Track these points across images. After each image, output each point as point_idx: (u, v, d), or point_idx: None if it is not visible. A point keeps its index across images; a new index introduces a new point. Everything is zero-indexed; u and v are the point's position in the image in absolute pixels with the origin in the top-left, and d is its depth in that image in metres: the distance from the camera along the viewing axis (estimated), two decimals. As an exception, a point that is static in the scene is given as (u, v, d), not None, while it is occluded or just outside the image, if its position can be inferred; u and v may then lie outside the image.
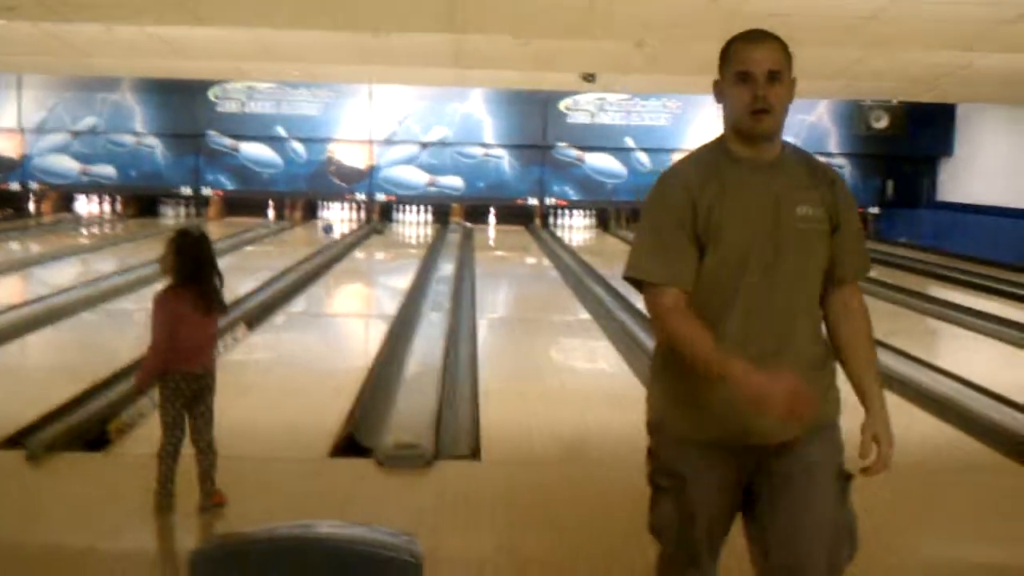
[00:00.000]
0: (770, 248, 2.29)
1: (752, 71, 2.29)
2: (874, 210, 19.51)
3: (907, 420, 5.87)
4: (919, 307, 10.36)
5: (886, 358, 7.29)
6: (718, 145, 2.40)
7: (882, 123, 18.34)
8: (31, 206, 19.54)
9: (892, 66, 11.42)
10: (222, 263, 11.99)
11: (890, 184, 19.42)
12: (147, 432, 5.15)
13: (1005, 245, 15.02)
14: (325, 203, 19.51)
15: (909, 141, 18.61)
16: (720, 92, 2.39)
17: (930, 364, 7.19)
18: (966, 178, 18.30)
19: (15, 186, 19.06)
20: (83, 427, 5.02)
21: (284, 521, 2.78)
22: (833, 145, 19.16)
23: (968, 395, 6.30)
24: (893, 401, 6.21)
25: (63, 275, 11.67)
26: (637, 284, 2.38)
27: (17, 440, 4.87)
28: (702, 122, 18.96)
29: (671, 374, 2.39)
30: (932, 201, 18.90)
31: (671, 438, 2.43)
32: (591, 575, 3.54)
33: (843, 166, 19.29)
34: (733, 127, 2.36)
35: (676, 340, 2.30)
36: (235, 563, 2.47)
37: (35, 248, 14.63)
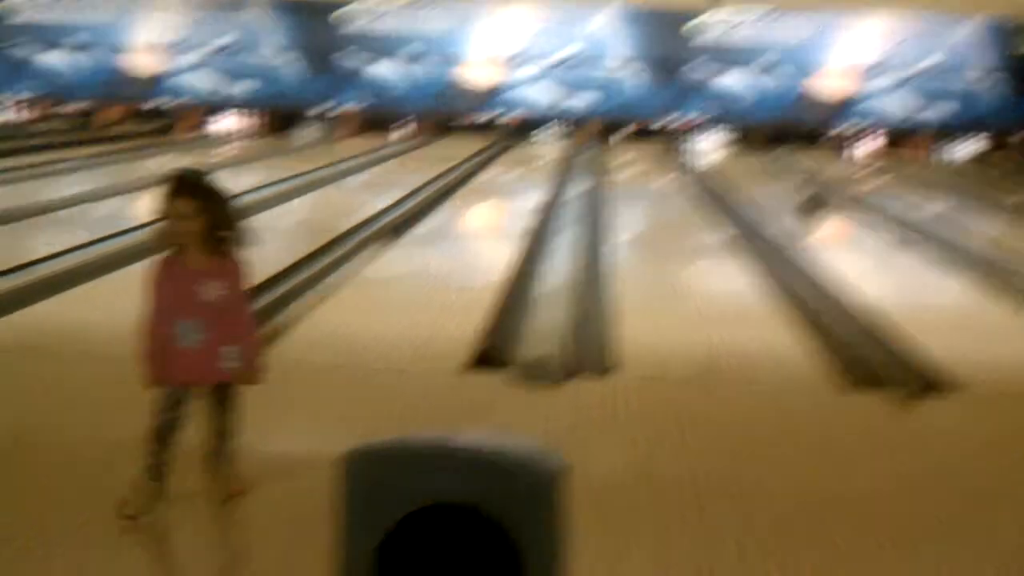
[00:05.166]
0: None
1: None
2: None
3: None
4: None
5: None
6: None
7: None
8: (169, 123, 20.06)
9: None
10: (357, 180, 12.30)
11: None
12: (292, 342, 5.30)
13: None
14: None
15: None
16: None
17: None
18: None
19: (154, 103, 19.59)
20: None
21: (423, 432, 2.84)
22: (983, 65, 18.25)
23: None
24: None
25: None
26: None
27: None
28: (843, 39, 18.28)
29: None
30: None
31: None
32: (725, 495, 3.52)
33: (992, 87, 18.38)
34: None
35: None
36: (386, 466, 2.53)
37: (175, 164, 15.05)
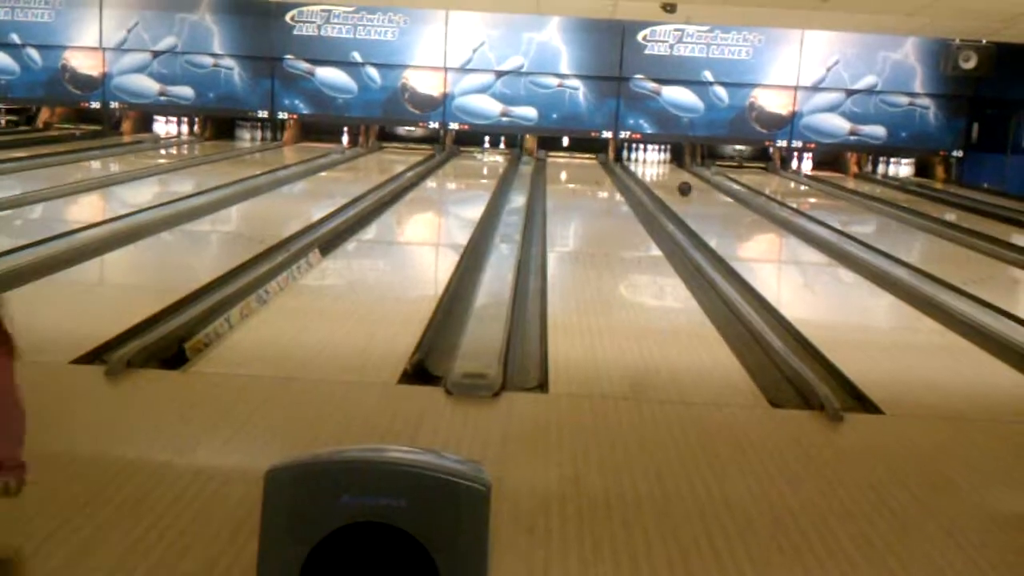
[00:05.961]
0: None
1: None
2: (957, 153, 19.00)
3: (987, 371, 5.79)
4: (1001, 255, 10.11)
5: (966, 307, 7.15)
6: None
7: (970, 63, 17.72)
8: (112, 125, 19.81)
9: (974, 4, 11.05)
10: (297, 188, 12.27)
11: (975, 127, 18.87)
12: (223, 352, 5.27)
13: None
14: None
15: (998, 83, 18.00)
16: None
17: (1011, 314, 7.03)
18: (1057, 123, 17.73)
19: (96, 105, 19.34)
20: (160, 345, 5.12)
21: (354, 444, 2.84)
22: (918, 85, 18.63)
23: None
24: (973, 352, 6.15)
25: (142, 195, 11.87)
26: None
27: (97, 356, 5.00)
28: (784, 57, 18.55)
29: None
30: (1019, 147, 18.35)
31: None
32: (654, 510, 3.56)
33: (928, 107, 18.79)
34: None
35: None
36: (309, 483, 2.53)
37: (115, 167, 14.88)
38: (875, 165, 19.73)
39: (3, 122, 19.72)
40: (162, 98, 19.27)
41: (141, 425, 4.17)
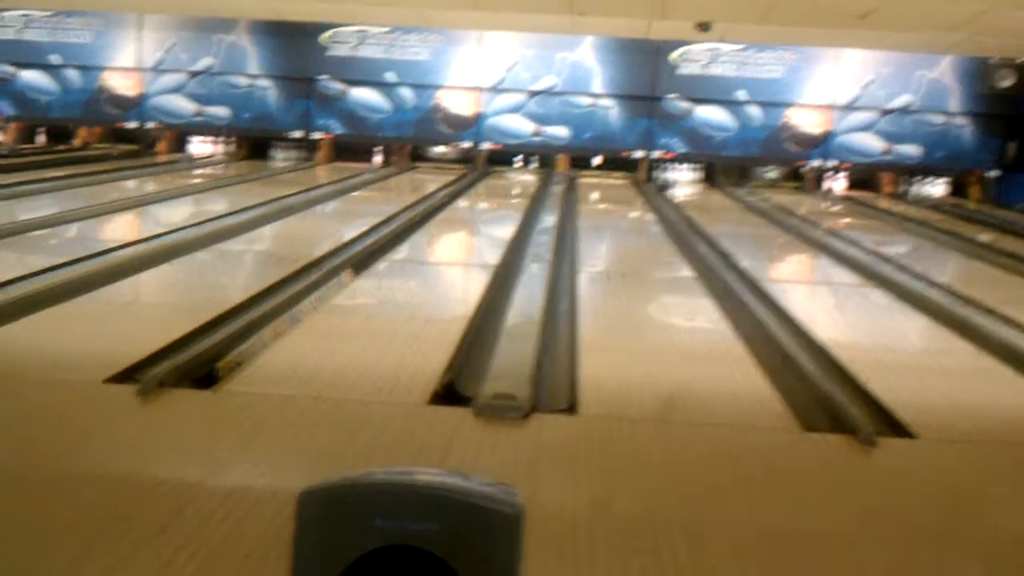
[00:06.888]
0: None
1: None
2: (994, 173, 18.84)
3: (1022, 395, 5.72)
4: (1037, 276, 10.00)
5: (1000, 329, 7.08)
6: None
7: (1008, 82, 17.58)
8: (146, 145, 20.04)
9: (1015, 23, 10.98)
10: (329, 208, 12.41)
11: (1012, 146, 18.70)
12: (255, 372, 5.30)
13: None
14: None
15: (1036, 102, 17.87)
16: None
17: (1046, 336, 6.94)
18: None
19: (133, 125, 19.58)
20: (193, 364, 5.16)
21: (383, 466, 2.84)
22: (954, 104, 18.51)
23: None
24: (1008, 376, 6.07)
25: (177, 214, 11.99)
26: None
27: (130, 375, 5.04)
28: (819, 76, 18.49)
29: None
30: (1057, 166, 18.19)
31: None
32: (686, 535, 3.53)
33: (963, 126, 18.64)
34: None
35: None
36: (343, 505, 2.53)
37: (150, 187, 15.03)
38: (910, 185, 19.59)
39: (43, 141, 20.00)
40: (198, 118, 19.48)
41: (172, 444, 4.20)
